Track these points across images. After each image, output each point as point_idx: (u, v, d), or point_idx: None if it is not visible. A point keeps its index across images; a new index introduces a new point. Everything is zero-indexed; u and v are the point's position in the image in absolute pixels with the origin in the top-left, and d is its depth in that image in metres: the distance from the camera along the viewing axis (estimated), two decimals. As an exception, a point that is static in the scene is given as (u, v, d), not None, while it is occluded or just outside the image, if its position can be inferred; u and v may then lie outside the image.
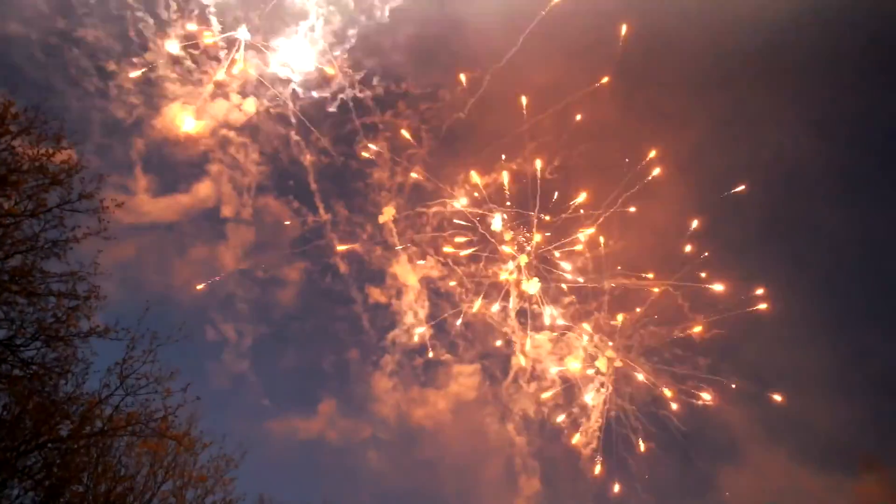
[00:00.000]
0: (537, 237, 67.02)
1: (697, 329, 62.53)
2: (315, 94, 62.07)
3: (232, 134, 64.09)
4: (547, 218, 65.98)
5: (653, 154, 60.55)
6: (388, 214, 65.30)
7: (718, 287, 62.52)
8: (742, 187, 60.60)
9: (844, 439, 60.70)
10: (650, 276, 64.00)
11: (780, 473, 60.18)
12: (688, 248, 62.77)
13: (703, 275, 63.00)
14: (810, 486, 58.29)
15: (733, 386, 63.13)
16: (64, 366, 21.39)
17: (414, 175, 64.96)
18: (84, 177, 20.94)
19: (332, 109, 64.25)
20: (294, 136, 64.89)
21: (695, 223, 63.49)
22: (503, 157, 66.72)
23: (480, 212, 66.04)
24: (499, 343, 66.27)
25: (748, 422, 62.55)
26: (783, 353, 65.79)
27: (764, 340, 65.19)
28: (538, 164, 64.89)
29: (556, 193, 66.79)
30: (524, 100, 62.56)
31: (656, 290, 64.58)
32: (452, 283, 66.35)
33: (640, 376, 64.81)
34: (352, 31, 60.47)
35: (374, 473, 64.89)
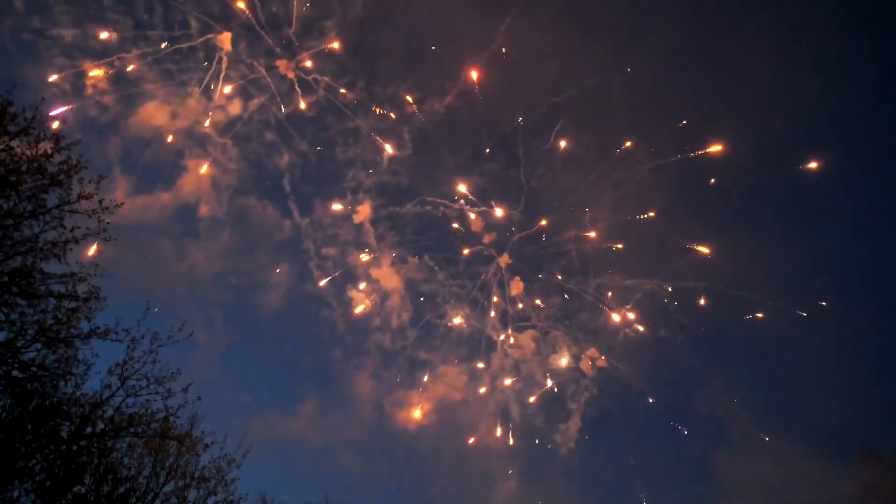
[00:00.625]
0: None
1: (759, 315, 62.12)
2: (298, 91, 62.06)
3: (213, 135, 63.83)
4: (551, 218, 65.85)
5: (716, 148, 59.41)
6: (363, 214, 64.77)
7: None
8: (814, 164, 59.60)
9: (843, 428, 61.16)
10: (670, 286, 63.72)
11: (778, 462, 60.45)
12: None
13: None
14: (809, 474, 58.59)
15: (735, 401, 63.53)
16: (65, 367, 21.29)
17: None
18: (83, 177, 20.76)
19: (312, 114, 64.07)
20: (275, 139, 64.52)
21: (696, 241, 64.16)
22: (487, 150, 66.61)
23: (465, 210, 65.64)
24: (482, 344, 66.34)
25: (745, 411, 62.85)
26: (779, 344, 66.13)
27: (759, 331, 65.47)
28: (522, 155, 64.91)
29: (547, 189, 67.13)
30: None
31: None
32: (434, 286, 66.41)
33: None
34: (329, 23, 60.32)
35: (355, 472, 64.78)
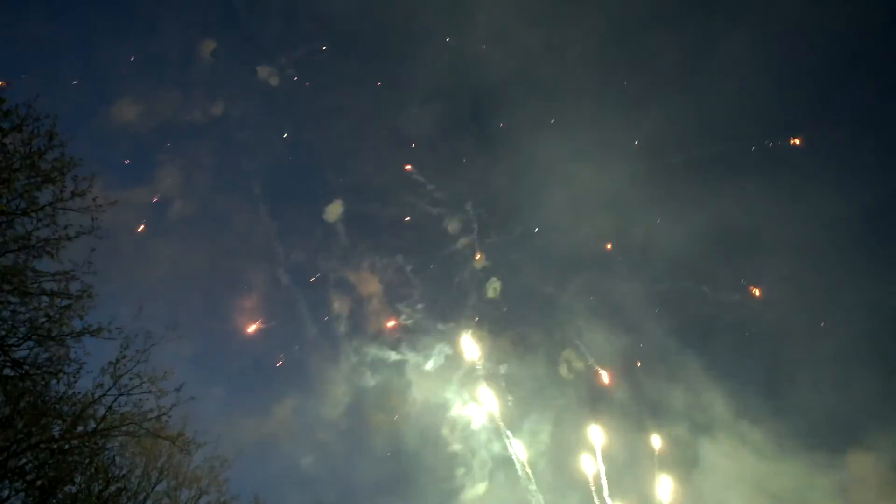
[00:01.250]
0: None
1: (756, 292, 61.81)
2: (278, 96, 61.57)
3: (187, 133, 63.27)
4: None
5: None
6: (333, 212, 64.01)
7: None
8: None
9: (828, 418, 61.13)
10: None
11: (763, 453, 60.33)
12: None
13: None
14: (795, 465, 58.50)
15: (717, 392, 63.39)
16: (56, 366, 21.15)
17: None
18: (77, 174, 20.64)
19: (289, 117, 63.56)
20: (253, 142, 64.00)
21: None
22: (464, 160, 66.18)
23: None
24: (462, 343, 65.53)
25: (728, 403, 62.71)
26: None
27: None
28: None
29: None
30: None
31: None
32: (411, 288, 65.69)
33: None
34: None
35: (334, 473, 64.16)
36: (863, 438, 58.15)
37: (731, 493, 59.75)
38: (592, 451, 60.91)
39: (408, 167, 61.87)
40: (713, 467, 60.64)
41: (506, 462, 63.13)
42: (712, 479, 60.29)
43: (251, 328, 63.33)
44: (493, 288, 64.48)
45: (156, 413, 22.76)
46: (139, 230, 62.20)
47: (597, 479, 59.65)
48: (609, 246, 64.42)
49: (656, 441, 62.02)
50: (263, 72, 59.67)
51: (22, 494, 21.09)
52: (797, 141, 60.90)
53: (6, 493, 20.83)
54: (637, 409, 63.63)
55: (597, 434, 61.33)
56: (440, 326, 64.96)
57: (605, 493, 59.61)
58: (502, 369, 64.40)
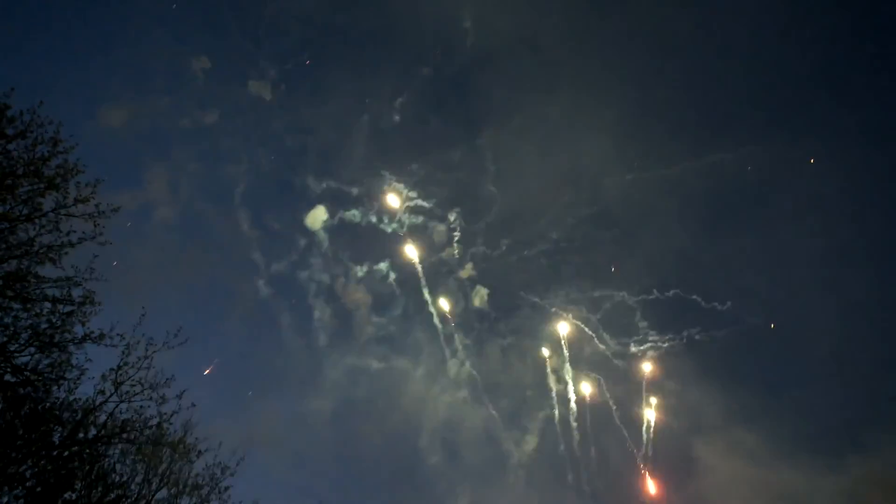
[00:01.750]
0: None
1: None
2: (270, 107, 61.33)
3: (175, 138, 63.00)
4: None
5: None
6: (316, 219, 63.43)
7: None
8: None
9: (831, 425, 60.90)
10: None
11: (763, 457, 60.06)
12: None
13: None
14: (796, 473, 58.25)
15: (717, 395, 63.07)
16: (58, 372, 21.13)
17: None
18: (80, 181, 20.66)
19: (278, 127, 63.43)
20: (234, 145, 63.77)
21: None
22: (450, 169, 65.98)
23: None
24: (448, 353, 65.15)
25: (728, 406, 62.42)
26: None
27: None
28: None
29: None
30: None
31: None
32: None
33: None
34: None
35: (327, 477, 63.57)
36: (864, 442, 58.13)
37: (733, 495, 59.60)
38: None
39: (392, 175, 61.82)
40: (712, 470, 60.59)
41: (497, 465, 63.11)
42: (716, 484, 60.18)
43: (206, 370, 62.68)
44: (480, 296, 64.34)
45: (157, 420, 22.77)
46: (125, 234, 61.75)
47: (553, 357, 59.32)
48: (601, 254, 64.37)
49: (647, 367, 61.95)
50: (254, 85, 59.73)
51: (21, 501, 21.00)
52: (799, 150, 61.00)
53: (6, 499, 20.75)
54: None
55: (563, 328, 61.13)
56: (423, 334, 64.88)
57: (567, 366, 59.18)
58: (490, 370, 64.37)
